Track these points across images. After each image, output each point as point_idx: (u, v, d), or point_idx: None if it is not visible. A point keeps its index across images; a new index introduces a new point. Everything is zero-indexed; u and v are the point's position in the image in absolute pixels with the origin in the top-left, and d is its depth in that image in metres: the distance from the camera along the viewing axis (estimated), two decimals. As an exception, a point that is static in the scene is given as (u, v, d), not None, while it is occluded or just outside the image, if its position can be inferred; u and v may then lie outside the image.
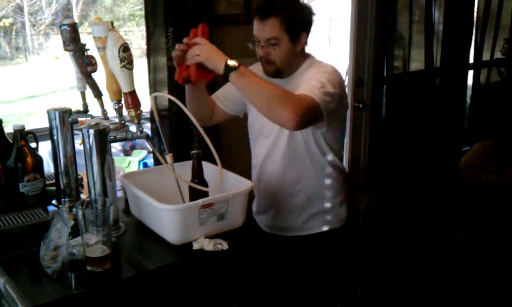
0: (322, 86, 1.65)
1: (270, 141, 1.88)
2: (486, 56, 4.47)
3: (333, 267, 1.93)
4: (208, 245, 1.48)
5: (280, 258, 1.95)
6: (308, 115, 1.60)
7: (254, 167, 1.99)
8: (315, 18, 1.82)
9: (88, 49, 1.65)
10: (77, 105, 1.75)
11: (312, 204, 1.89)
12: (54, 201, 1.78)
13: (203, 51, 1.58)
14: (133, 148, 4.63)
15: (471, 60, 4.36)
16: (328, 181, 1.89)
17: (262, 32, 1.74)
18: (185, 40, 1.65)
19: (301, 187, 1.87)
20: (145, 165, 4.39)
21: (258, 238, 1.96)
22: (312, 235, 1.90)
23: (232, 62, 1.56)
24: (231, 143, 2.57)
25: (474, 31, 4.29)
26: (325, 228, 1.90)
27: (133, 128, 1.61)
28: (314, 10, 1.81)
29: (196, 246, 1.48)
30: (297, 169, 1.85)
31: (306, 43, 1.81)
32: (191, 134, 2.43)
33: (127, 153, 4.66)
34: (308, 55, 1.86)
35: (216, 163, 1.60)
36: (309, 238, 1.90)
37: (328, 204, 1.90)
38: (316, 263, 1.90)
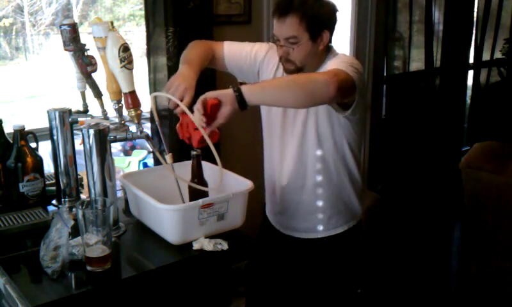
0: (349, 64, 1.60)
1: (294, 140, 1.79)
2: (486, 56, 4.47)
3: (341, 266, 1.88)
4: (208, 245, 1.48)
5: (296, 259, 1.90)
6: (341, 82, 1.50)
7: (270, 164, 1.91)
8: (339, 15, 1.74)
9: (88, 49, 1.65)
10: (77, 105, 1.75)
11: (331, 206, 1.82)
12: (54, 201, 1.78)
13: (208, 94, 1.47)
14: (133, 148, 4.63)
15: (471, 60, 4.36)
16: (346, 181, 1.82)
17: (281, 30, 1.67)
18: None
19: (322, 189, 1.80)
20: (145, 165, 4.39)
21: (273, 239, 1.93)
22: (329, 236, 1.83)
23: (235, 88, 1.45)
24: (231, 143, 2.57)
25: (474, 31, 4.29)
26: (341, 230, 1.84)
27: (133, 128, 1.61)
28: (337, 7, 1.73)
29: (196, 246, 1.48)
30: (320, 169, 1.78)
31: (330, 42, 1.73)
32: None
33: (127, 153, 4.65)
34: (329, 50, 1.76)
35: (216, 163, 1.60)
36: (327, 239, 1.84)
37: (345, 204, 1.83)
38: (331, 264, 1.85)
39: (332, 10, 1.71)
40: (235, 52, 1.89)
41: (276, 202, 1.90)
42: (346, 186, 1.82)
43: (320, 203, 1.82)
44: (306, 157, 1.78)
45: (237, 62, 1.88)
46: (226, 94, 1.45)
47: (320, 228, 1.83)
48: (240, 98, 1.43)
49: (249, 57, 1.87)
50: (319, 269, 1.86)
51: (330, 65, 1.64)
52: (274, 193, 1.89)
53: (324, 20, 1.68)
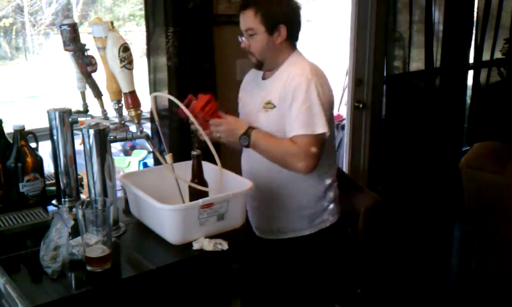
0: (305, 109, 1.71)
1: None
2: (486, 56, 4.47)
3: (328, 266, 1.92)
4: (208, 245, 1.48)
5: (271, 261, 1.94)
6: (317, 152, 1.72)
7: (242, 165, 1.99)
8: (301, 13, 1.83)
9: (88, 49, 1.65)
10: (77, 105, 1.75)
11: (302, 207, 1.87)
12: (54, 201, 1.78)
13: (223, 134, 1.78)
14: (133, 148, 4.63)
15: (471, 60, 4.36)
16: (319, 183, 1.87)
17: (241, 23, 1.80)
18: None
19: (291, 190, 1.85)
20: (145, 165, 4.39)
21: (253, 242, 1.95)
22: (303, 236, 1.88)
23: (245, 141, 1.76)
24: (231, 143, 2.57)
25: (474, 31, 4.29)
26: (315, 230, 1.89)
27: (133, 128, 1.61)
28: (300, 5, 1.82)
29: (196, 246, 1.48)
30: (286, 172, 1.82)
31: (290, 37, 1.81)
32: (190, 134, 2.43)
33: (127, 153, 4.66)
34: (292, 51, 1.85)
35: (215, 163, 1.60)
36: (300, 239, 1.89)
37: (319, 206, 1.88)
38: (309, 264, 1.89)
39: (291, 6, 1.80)
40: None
41: (249, 202, 1.95)
42: (317, 188, 1.87)
43: (288, 205, 1.87)
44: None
45: None
46: (235, 142, 1.78)
47: (288, 229, 1.89)
48: (245, 145, 1.76)
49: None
50: (299, 269, 1.89)
51: (290, 95, 1.74)
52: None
53: (280, 15, 1.78)
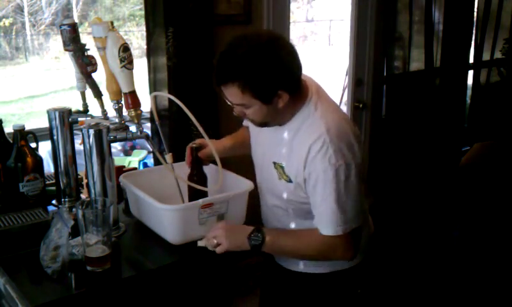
0: (336, 207, 1.41)
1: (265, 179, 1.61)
2: (486, 56, 4.47)
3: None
4: (211, 243, 1.47)
5: (288, 290, 1.73)
6: (350, 245, 1.47)
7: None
8: (299, 58, 1.40)
9: (88, 49, 1.65)
10: (77, 105, 1.75)
11: None
12: (54, 201, 1.78)
13: (222, 240, 1.44)
14: (133, 148, 4.63)
15: (471, 60, 4.36)
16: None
17: (227, 96, 1.40)
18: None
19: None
20: (145, 165, 4.38)
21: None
22: (310, 274, 1.64)
23: (256, 241, 1.43)
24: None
25: (474, 31, 4.29)
26: (323, 270, 1.63)
27: (133, 128, 1.61)
28: (295, 50, 1.39)
29: (200, 243, 1.47)
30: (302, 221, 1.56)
31: (295, 93, 1.42)
32: (191, 134, 2.43)
33: (127, 153, 4.65)
34: (303, 101, 1.46)
35: (216, 163, 1.60)
36: (308, 276, 1.64)
37: None
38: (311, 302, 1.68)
39: (286, 63, 1.36)
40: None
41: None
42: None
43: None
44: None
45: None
46: (241, 238, 1.45)
47: (300, 262, 1.63)
48: (257, 247, 1.45)
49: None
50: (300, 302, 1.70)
51: (312, 167, 1.40)
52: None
53: (275, 82, 1.35)
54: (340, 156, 1.39)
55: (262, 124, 1.47)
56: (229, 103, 1.42)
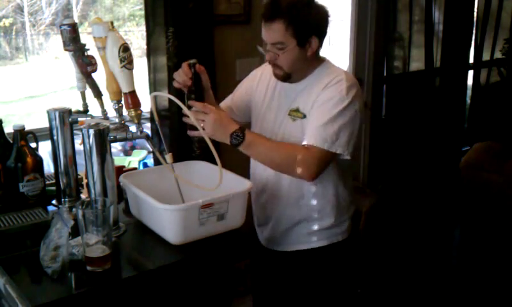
0: (331, 124, 1.57)
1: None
2: (486, 56, 4.47)
3: (333, 277, 1.82)
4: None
5: (278, 273, 1.87)
6: (321, 165, 1.59)
7: (253, 175, 1.87)
8: (330, 19, 1.66)
9: (88, 49, 1.65)
10: (77, 105, 1.75)
11: (312, 221, 1.77)
12: (54, 201, 1.78)
13: (208, 127, 1.55)
14: (133, 148, 4.63)
15: (471, 60, 4.36)
16: (331, 199, 1.76)
17: (267, 35, 1.62)
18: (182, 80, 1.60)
19: (302, 202, 1.75)
20: (145, 165, 4.38)
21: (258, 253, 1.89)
22: (311, 249, 1.78)
23: (236, 140, 1.56)
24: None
25: (474, 31, 4.29)
26: (325, 243, 1.78)
27: (133, 128, 1.61)
28: (329, 12, 1.65)
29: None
30: (298, 183, 1.71)
31: (320, 47, 1.66)
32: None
33: (127, 153, 4.65)
34: (322, 60, 1.72)
35: (215, 163, 1.59)
36: (308, 252, 1.79)
37: (329, 221, 1.77)
38: (316, 278, 1.80)
39: (322, 15, 1.64)
40: (233, 102, 1.90)
41: (259, 213, 1.86)
42: (329, 203, 1.76)
43: (298, 217, 1.77)
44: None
45: (239, 105, 1.89)
46: (221, 139, 1.57)
47: (299, 240, 1.78)
48: (234, 145, 1.57)
49: (246, 98, 1.88)
50: (305, 282, 1.81)
51: (319, 99, 1.62)
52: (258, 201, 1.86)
53: (313, 26, 1.61)
54: (351, 93, 1.61)
55: (287, 76, 1.67)
56: (265, 45, 1.63)
